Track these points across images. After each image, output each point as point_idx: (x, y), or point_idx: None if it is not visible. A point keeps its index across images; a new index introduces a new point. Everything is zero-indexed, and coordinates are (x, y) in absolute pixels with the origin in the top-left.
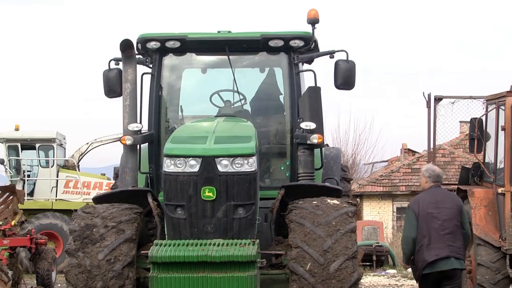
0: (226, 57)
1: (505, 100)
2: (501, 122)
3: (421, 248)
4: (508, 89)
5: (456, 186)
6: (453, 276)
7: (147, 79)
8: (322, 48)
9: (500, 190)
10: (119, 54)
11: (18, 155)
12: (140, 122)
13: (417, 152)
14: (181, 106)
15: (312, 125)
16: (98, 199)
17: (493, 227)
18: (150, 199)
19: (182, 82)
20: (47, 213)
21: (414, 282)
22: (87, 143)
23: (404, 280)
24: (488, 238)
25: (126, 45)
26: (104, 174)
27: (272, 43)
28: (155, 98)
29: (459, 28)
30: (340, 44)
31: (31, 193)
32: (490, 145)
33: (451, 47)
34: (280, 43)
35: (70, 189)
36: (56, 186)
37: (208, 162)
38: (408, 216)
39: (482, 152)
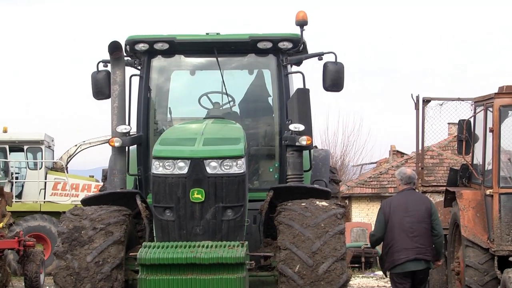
0: (214, 59)
1: (493, 102)
2: (489, 124)
3: (390, 249)
4: (496, 91)
5: (445, 188)
6: (421, 276)
7: (136, 81)
8: (310, 50)
9: (488, 191)
10: (107, 56)
11: (6, 157)
12: (129, 124)
13: (406, 154)
14: (169, 108)
15: (301, 127)
16: (87, 201)
17: (481, 229)
18: (138, 201)
19: (170, 84)
20: (36, 215)
21: None
22: (76, 145)
23: None
24: (476, 240)
25: (114, 47)
26: (92, 176)
27: (260, 45)
28: (144, 100)
29: (448, 30)
30: (329, 46)
31: (19, 195)
32: (478, 147)
33: (440, 48)
34: (268, 45)
35: (58, 191)
36: (45, 188)
37: (197, 164)
38: (379, 217)
39: (470, 154)
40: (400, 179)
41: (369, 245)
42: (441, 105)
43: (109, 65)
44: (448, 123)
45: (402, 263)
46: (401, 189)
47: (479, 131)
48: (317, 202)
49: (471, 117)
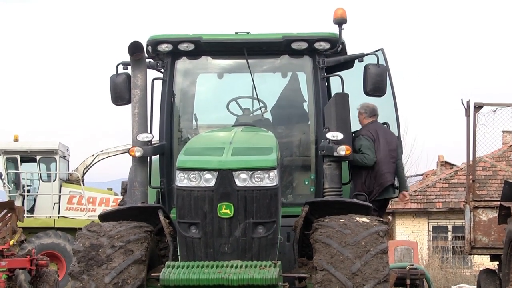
0: (244, 61)
1: None
2: None
3: (378, 172)
4: None
5: (499, 203)
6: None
7: (158, 84)
8: (350, 51)
9: None
10: (127, 58)
11: (17, 168)
12: (151, 132)
13: (455, 165)
14: (195, 114)
15: (339, 136)
16: (105, 217)
17: None
18: (161, 217)
19: (196, 88)
20: (49, 232)
21: None
22: (93, 155)
23: None
24: None
25: (135, 48)
26: (111, 189)
27: (295, 46)
28: (167, 106)
29: (506, 30)
30: (370, 46)
31: (31, 210)
32: None
33: (496, 49)
34: (304, 45)
35: (74, 206)
36: (59, 202)
37: (225, 176)
38: (369, 143)
39: None
40: (364, 112)
41: (415, 266)
42: (495, 111)
43: (129, 67)
44: (503, 131)
45: (388, 185)
46: (367, 122)
47: None
48: (357, 218)
49: None
